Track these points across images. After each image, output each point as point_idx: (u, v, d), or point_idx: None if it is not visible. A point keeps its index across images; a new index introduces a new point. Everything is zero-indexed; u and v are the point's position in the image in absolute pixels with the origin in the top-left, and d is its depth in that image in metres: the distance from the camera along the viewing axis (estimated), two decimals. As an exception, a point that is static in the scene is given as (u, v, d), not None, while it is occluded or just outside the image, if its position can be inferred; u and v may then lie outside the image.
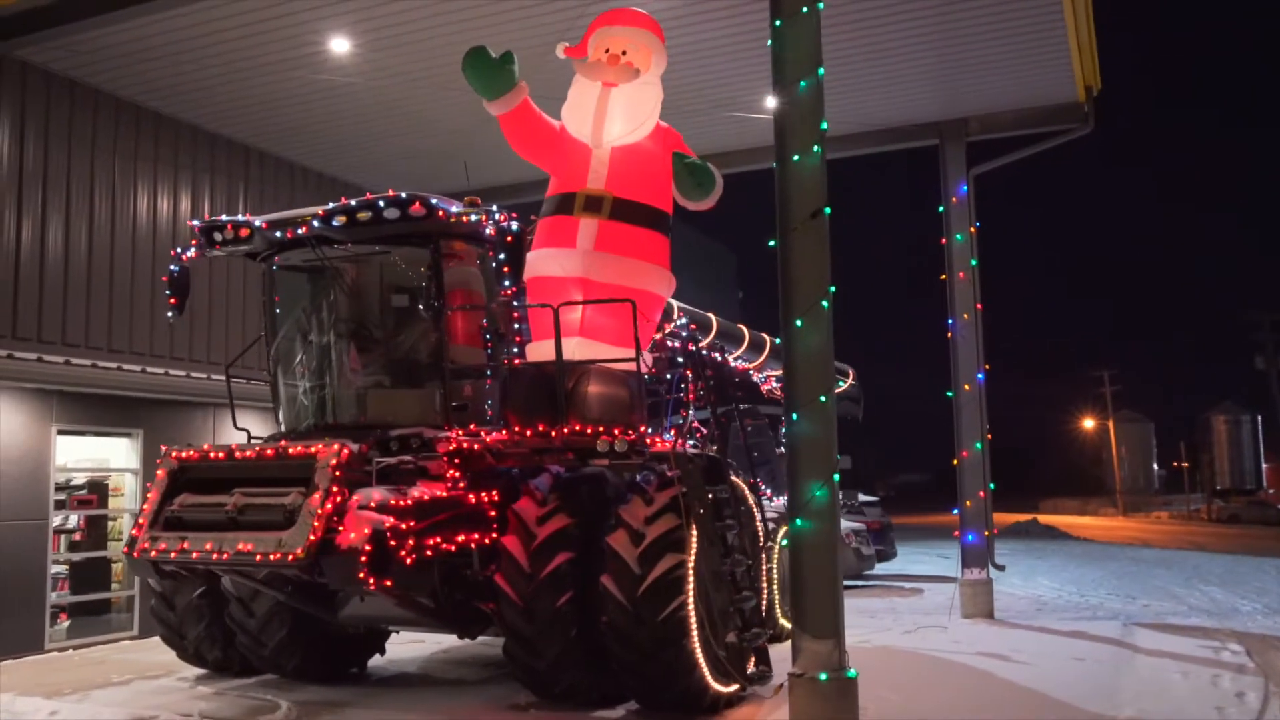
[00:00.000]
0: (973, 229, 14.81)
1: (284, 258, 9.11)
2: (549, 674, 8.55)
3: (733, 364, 13.63)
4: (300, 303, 9.19)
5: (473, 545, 8.63)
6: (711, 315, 12.15)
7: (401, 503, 7.78)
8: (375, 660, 10.93)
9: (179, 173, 14.53)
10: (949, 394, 14.76)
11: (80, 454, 13.46)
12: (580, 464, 8.97)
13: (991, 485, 14.55)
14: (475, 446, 8.49)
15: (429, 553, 8.03)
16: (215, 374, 12.99)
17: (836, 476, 7.31)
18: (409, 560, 7.83)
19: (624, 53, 8.87)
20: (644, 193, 8.60)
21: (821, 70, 7.66)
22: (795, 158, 7.57)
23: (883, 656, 11.17)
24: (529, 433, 8.46)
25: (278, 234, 8.63)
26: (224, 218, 8.89)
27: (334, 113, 14.55)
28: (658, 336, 9.71)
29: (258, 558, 7.40)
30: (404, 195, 8.35)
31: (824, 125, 7.67)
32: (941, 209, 14.99)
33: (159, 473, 8.39)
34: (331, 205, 8.51)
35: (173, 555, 7.75)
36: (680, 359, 9.55)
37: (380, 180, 14.37)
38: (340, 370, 9.10)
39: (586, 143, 8.89)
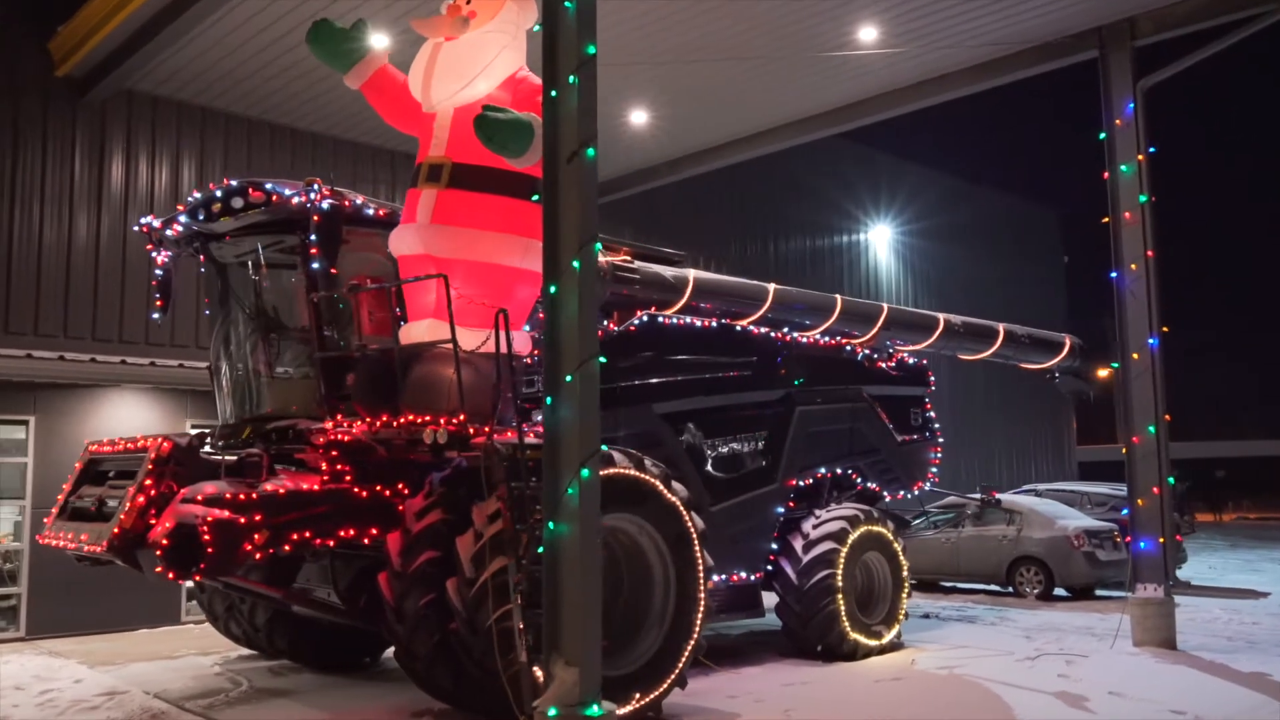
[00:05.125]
0: (1141, 157, 11.76)
1: (209, 255, 9.28)
2: (427, 677, 8.01)
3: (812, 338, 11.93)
4: (215, 299, 9.34)
5: (366, 540, 8.34)
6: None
7: (242, 496, 7.63)
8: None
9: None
10: (1114, 365, 11.87)
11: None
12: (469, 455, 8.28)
13: (1171, 480, 11.46)
14: (345, 437, 8.15)
15: (287, 547, 7.87)
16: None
17: (585, 472, 6.05)
18: (258, 555, 7.73)
19: (468, 2, 8.02)
20: (491, 155, 7.69)
21: (588, -14, 6.40)
22: (553, 93, 6.39)
23: (906, 688, 9.31)
24: (377, 424, 7.96)
25: (167, 232, 8.87)
26: (144, 219, 9.24)
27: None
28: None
29: (86, 549, 7.68)
30: (236, 183, 8.23)
31: (591, 50, 6.40)
32: (1103, 135, 12.08)
33: (77, 464, 8.99)
34: (190, 199, 8.58)
35: (56, 544, 8.26)
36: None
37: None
38: (244, 363, 9.15)
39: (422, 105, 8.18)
